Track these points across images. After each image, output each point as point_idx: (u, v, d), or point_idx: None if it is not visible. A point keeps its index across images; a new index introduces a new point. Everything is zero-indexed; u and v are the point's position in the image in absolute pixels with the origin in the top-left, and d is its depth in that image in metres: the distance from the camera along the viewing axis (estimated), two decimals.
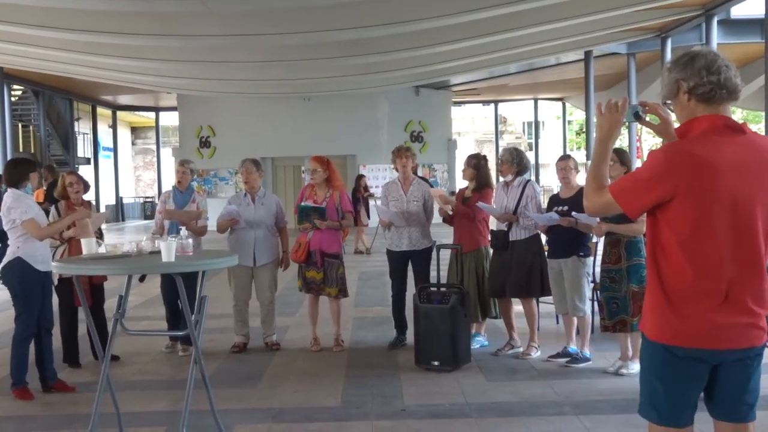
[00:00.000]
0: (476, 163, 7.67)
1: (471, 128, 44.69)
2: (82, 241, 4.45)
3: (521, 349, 7.35)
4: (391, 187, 7.95)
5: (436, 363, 6.76)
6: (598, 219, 6.60)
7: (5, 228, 6.25)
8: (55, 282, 6.80)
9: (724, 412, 2.97)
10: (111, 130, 33.17)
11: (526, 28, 16.21)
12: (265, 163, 25.75)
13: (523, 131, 48.74)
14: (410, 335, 7.73)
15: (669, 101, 3.04)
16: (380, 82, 22.56)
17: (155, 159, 41.03)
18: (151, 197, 35.41)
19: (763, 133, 20.84)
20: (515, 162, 7.44)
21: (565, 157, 7.18)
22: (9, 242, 6.25)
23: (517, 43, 17.99)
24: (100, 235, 7.31)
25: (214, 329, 8.43)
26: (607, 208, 3.06)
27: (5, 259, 6.27)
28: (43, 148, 26.05)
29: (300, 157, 25.09)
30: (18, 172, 6.34)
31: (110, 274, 4.25)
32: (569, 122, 41.74)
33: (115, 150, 32.87)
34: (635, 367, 6.53)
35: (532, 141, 46.35)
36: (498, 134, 36.51)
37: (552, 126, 45.52)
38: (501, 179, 7.59)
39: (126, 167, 38.98)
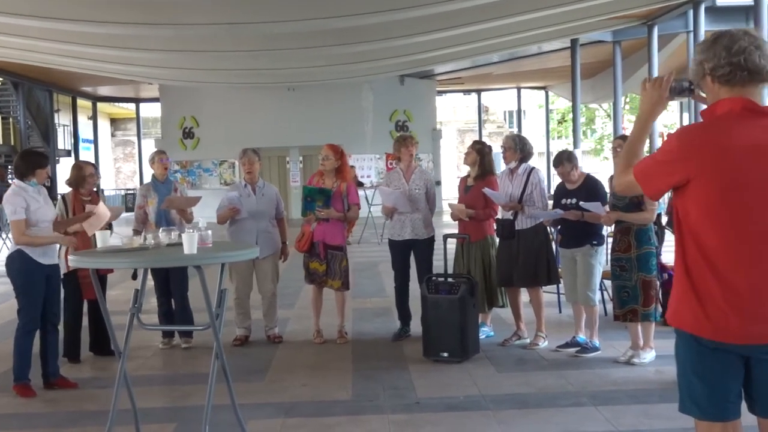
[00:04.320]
0: (480, 148, 7.58)
1: (453, 117, 44.66)
2: (97, 233, 4.31)
3: (528, 340, 7.28)
4: (393, 176, 7.85)
5: (445, 354, 6.67)
6: (607, 208, 6.54)
7: (8, 219, 6.10)
8: (61, 274, 6.65)
9: (764, 409, 2.87)
10: (91, 121, 32.78)
11: (513, 17, 16.13)
12: None
13: (505, 119, 48.72)
14: (414, 326, 7.66)
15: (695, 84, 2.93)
16: (366, 71, 22.41)
17: (135, 150, 40.70)
18: (132, 189, 35.04)
19: None
20: (518, 148, 7.34)
21: (556, 164, 7.02)
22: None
23: (503, 32, 17.90)
24: (109, 228, 7.15)
25: (205, 324, 8.29)
26: (632, 187, 2.98)
27: (9, 251, 6.13)
28: (23, 140, 25.66)
29: (285, 148, 24.91)
30: (24, 165, 6.10)
31: (131, 267, 4.10)
32: (550, 111, 41.81)
33: (95, 142, 32.49)
34: (646, 356, 6.49)
35: (514, 129, 46.47)
36: (481, 123, 36.44)
37: (533, 115, 45.54)
38: (505, 167, 7.49)
39: (106, 159, 38.58)
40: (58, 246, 6.58)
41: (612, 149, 6.51)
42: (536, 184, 7.24)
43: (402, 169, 7.76)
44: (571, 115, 43.98)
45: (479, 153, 7.53)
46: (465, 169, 7.82)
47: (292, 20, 14.71)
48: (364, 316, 8.94)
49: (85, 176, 7.03)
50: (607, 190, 6.88)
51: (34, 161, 6.22)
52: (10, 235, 6.23)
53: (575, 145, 22.55)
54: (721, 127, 2.76)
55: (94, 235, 6.63)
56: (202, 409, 5.67)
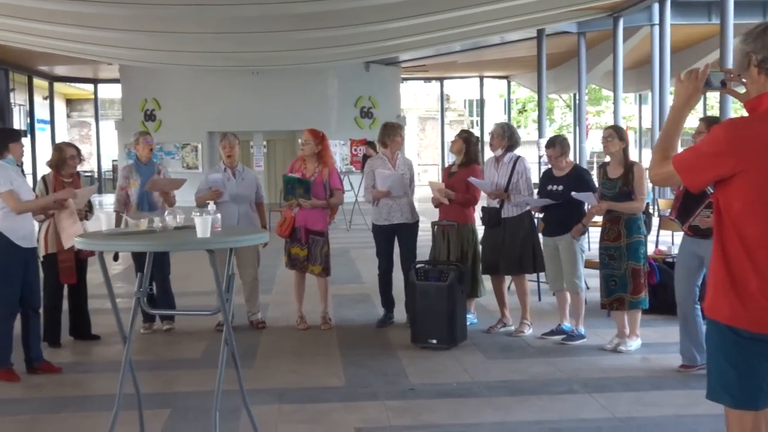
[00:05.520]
0: (467, 137, 7.58)
1: (414, 105, 44.58)
2: (102, 215, 4.21)
3: (513, 327, 7.32)
4: (378, 162, 7.80)
5: (433, 341, 6.67)
6: (597, 197, 6.57)
7: None
8: (40, 257, 6.51)
9: None
10: (47, 101, 32.10)
11: (480, 6, 16.14)
12: (213, 138, 25.25)
13: (465, 108, 48.85)
14: (400, 313, 7.66)
15: (737, 74, 2.94)
16: (331, 57, 22.28)
17: (91, 132, 39.98)
18: (89, 171, 34.46)
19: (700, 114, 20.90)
20: (506, 136, 7.36)
21: (548, 145, 7.07)
22: None
23: (470, 21, 17.91)
24: (89, 208, 7.02)
25: (192, 308, 8.22)
26: (669, 178, 3.00)
27: None
28: None
29: (249, 132, 24.65)
30: None
31: (143, 251, 3.99)
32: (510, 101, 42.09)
33: (52, 122, 31.85)
34: (633, 344, 6.56)
35: (473, 119, 46.66)
36: (443, 111, 36.51)
37: (493, 104, 45.73)
38: (491, 155, 7.51)
39: (62, 140, 37.81)
40: (36, 228, 6.44)
41: (603, 139, 6.55)
42: (522, 172, 7.26)
43: (387, 156, 7.73)
44: (530, 105, 44.49)
45: (466, 141, 7.53)
46: (425, 157, 7.81)
47: (258, 3, 14.56)
48: (344, 302, 8.90)
49: (65, 158, 6.88)
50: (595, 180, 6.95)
51: (5, 136, 6.14)
52: None
53: (540, 134, 22.70)
54: None
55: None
56: (192, 395, 5.66)
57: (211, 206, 4.11)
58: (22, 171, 6.55)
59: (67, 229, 6.42)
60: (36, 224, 6.48)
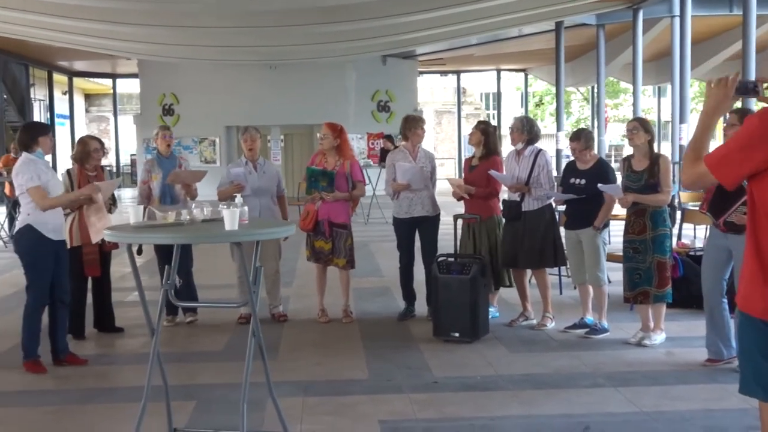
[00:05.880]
0: (484, 128, 7.55)
1: (430, 98, 44.50)
2: (130, 209, 4.22)
3: (535, 321, 7.30)
4: (399, 155, 7.79)
5: (455, 334, 6.66)
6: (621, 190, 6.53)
7: (17, 193, 5.99)
8: None
9: None
10: (66, 96, 32.29)
11: None
12: (230, 132, 25.33)
13: (482, 101, 48.72)
14: (421, 306, 7.66)
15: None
16: (348, 51, 22.24)
17: (109, 127, 40.19)
18: (108, 166, 34.63)
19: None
20: (525, 130, 7.32)
21: (573, 138, 7.03)
22: (20, 209, 6.00)
23: (487, 14, 17.83)
24: (113, 202, 7.06)
25: (215, 300, 8.23)
26: (702, 178, 2.94)
27: (17, 226, 6.03)
28: None
29: (266, 126, 24.70)
30: (27, 137, 6.03)
31: (172, 243, 4.01)
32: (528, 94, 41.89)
33: (71, 117, 32.03)
34: (657, 338, 6.52)
35: (490, 112, 46.56)
36: (460, 105, 36.42)
37: (509, 97, 45.59)
38: (510, 148, 7.48)
39: (80, 135, 38.01)
40: (63, 221, 6.49)
41: (627, 131, 6.51)
42: (543, 166, 7.22)
43: (408, 149, 7.72)
44: (547, 98, 44.32)
45: (484, 133, 7.50)
46: (442, 151, 7.80)
47: None
48: (364, 295, 8.90)
49: (89, 151, 6.93)
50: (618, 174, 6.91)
51: (35, 130, 6.20)
52: (19, 209, 6.12)
53: (558, 127, 22.61)
54: None
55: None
56: (216, 387, 5.68)
57: (238, 199, 4.12)
58: None
59: (95, 224, 6.47)
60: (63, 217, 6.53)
